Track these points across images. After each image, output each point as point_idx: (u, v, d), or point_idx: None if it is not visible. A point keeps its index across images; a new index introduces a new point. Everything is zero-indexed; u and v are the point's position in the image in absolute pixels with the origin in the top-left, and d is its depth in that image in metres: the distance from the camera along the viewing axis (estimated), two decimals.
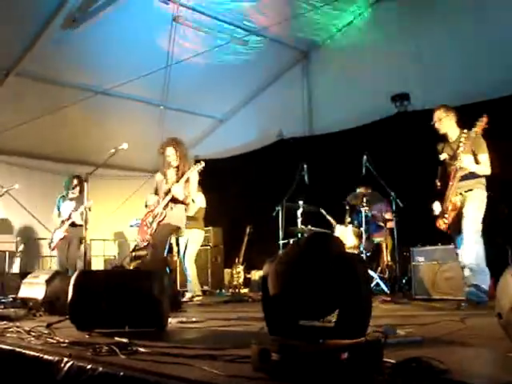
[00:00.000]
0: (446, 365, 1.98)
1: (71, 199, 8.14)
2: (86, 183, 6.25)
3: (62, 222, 7.99)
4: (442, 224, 5.17)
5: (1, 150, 9.90)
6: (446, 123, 5.19)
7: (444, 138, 5.30)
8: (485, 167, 4.99)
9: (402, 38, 8.46)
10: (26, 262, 9.81)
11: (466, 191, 5.03)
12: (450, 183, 5.03)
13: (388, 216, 7.59)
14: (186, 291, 7.69)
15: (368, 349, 1.96)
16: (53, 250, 8.12)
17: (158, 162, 11.90)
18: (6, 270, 8.74)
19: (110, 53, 8.48)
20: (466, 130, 5.03)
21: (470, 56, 7.68)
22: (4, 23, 7.46)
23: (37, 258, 10.30)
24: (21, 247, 9.60)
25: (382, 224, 7.68)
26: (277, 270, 2.29)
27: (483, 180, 5.06)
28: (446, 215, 5.09)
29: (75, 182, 8.13)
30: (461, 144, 4.96)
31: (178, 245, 8.07)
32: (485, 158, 4.99)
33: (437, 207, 5.23)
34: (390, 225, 7.48)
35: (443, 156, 5.22)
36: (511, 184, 6.54)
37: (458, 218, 5.03)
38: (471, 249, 4.88)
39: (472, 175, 5.01)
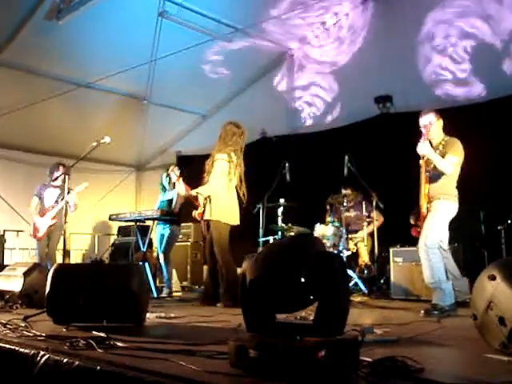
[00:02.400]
0: (420, 364, 2.02)
1: (55, 187, 7.83)
2: (67, 176, 6.20)
3: (46, 209, 7.69)
4: (414, 232, 5.12)
5: None
6: (434, 128, 4.99)
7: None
8: (446, 163, 4.79)
9: (386, 39, 8.50)
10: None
11: (430, 200, 4.90)
12: (421, 188, 4.94)
13: (369, 217, 7.63)
14: (164, 287, 7.68)
15: (345, 347, 1.97)
16: (39, 239, 7.76)
17: (140, 157, 11.98)
18: None
19: (95, 46, 8.42)
20: (447, 138, 4.96)
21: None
22: None
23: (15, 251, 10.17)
24: None
25: (363, 224, 7.73)
26: (258, 257, 2.30)
27: (449, 190, 4.90)
28: (419, 223, 5.00)
29: (61, 169, 7.71)
30: (439, 149, 4.90)
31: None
32: (452, 159, 4.81)
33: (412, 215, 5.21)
34: (370, 225, 7.54)
35: (422, 161, 5.07)
36: (487, 186, 6.65)
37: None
38: (424, 265, 4.82)
39: (437, 177, 4.87)
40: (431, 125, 4.98)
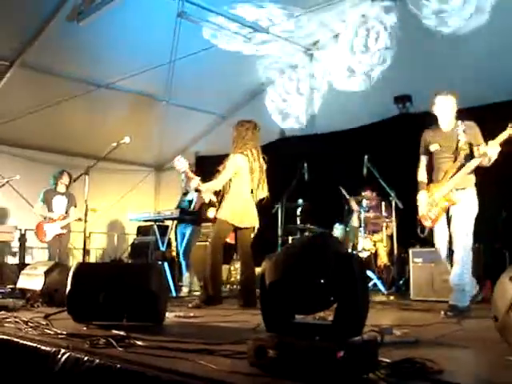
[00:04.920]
0: (440, 366, 2.00)
1: (62, 194, 8.26)
2: (87, 176, 6.26)
3: (57, 218, 8.07)
4: (426, 218, 4.91)
5: (3, 141, 9.91)
6: (450, 109, 4.83)
7: (432, 125, 5.00)
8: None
9: (404, 39, 8.44)
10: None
11: (457, 189, 4.72)
12: (449, 177, 4.72)
13: (388, 217, 7.58)
14: (183, 286, 7.72)
15: (364, 348, 1.97)
16: (44, 242, 8.17)
17: (159, 157, 12.04)
18: (5, 260, 8.75)
19: (114, 47, 8.48)
20: (459, 122, 4.78)
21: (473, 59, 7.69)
22: (8, 14, 7.45)
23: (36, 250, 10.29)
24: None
25: (382, 224, 7.69)
26: (277, 259, 2.30)
27: (474, 178, 4.77)
28: (434, 210, 4.84)
29: (67, 177, 8.25)
30: (460, 137, 4.72)
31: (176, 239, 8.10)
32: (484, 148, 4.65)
33: (421, 200, 4.96)
34: (389, 226, 7.49)
35: (435, 147, 4.91)
36: (508, 186, 6.57)
37: (446, 214, 4.82)
38: (458, 265, 4.65)
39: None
40: (446, 106, 4.85)
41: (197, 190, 6.06)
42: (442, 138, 4.88)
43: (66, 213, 8.14)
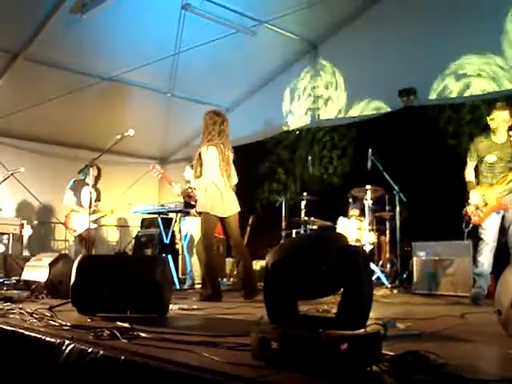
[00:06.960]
0: (443, 359, 2.00)
1: (91, 186, 8.15)
2: (90, 168, 6.28)
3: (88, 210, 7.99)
4: (474, 215, 5.21)
5: (8, 134, 9.91)
6: (505, 122, 5.14)
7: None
8: None
9: (410, 32, 8.41)
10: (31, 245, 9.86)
11: None
12: (506, 183, 5.06)
13: (392, 211, 7.57)
14: (186, 279, 7.74)
15: (367, 341, 1.97)
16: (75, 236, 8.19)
17: (164, 150, 12.04)
18: (10, 252, 8.77)
19: (119, 39, 8.47)
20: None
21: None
22: (13, 7, 7.44)
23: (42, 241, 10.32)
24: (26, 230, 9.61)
25: (386, 218, 7.67)
26: (280, 247, 2.31)
27: None
28: (484, 210, 5.14)
29: (95, 170, 7.93)
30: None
31: (180, 232, 8.11)
32: None
33: (475, 198, 5.24)
34: (393, 221, 7.48)
35: (492, 158, 5.18)
36: None
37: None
38: (491, 255, 5.16)
39: None
40: (505, 121, 5.13)
41: (187, 195, 6.09)
42: (498, 150, 5.18)
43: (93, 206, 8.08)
